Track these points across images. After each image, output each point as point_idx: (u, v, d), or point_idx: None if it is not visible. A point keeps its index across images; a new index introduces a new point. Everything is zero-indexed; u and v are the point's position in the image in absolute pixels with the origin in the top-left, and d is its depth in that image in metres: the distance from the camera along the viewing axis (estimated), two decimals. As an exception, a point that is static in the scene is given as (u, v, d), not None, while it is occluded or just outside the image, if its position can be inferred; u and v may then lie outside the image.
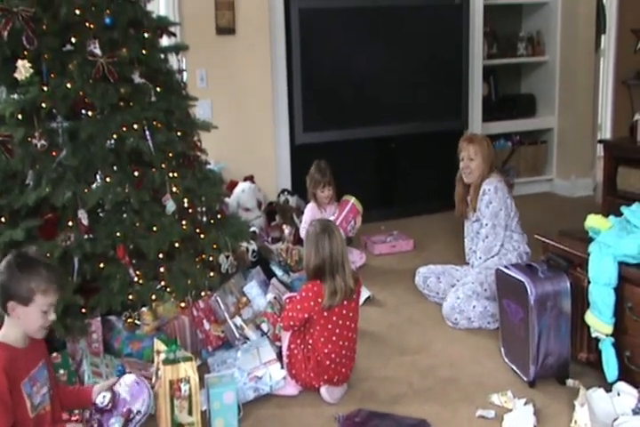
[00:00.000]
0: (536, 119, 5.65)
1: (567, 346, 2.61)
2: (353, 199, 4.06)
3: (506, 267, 2.81)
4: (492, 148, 3.49)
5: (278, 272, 3.60)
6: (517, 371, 2.70)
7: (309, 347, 2.62)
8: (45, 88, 2.69)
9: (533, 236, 3.07)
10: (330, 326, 2.59)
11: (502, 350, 2.84)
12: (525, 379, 2.63)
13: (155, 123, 2.90)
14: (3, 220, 2.72)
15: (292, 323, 2.63)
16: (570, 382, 2.60)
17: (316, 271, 2.60)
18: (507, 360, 2.79)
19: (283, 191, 4.81)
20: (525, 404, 2.44)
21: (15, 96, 2.71)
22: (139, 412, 2.04)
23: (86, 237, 2.73)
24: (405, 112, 5.06)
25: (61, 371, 2.52)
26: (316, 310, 2.57)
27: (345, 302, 2.60)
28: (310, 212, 4.11)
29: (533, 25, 5.63)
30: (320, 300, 2.55)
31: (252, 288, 3.22)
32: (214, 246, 3.19)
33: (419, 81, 5.02)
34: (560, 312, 2.58)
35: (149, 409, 2.04)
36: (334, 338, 2.59)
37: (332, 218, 4.00)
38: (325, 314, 2.57)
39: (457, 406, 2.50)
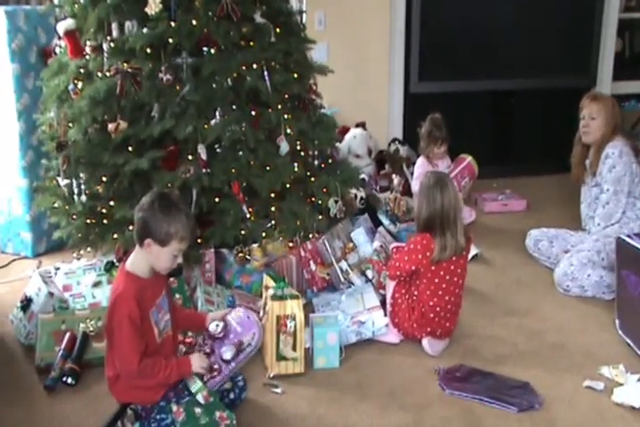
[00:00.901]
0: (674, 81, 5.21)
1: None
2: (470, 158, 3.92)
3: (628, 236, 2.64)
4: (619, 108, 3.26)
5: (385, 221, 3.56)
6: (632, 345, 2.57)
7: (414, 298, 2.59)
8: (173, 24, 2.73)
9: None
10: (436, 280, 2.54)
11: (617, 322, 2.71)
12: (641, 354, 2.50)
13: (273, 64, 2.91)
14: (130, 149, 2.81)
15: (398, 273, 2.61)
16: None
17: (426, 224, 2.53)
18: (621, 333, 2.66)
19: (394, 140, 4.73)
20: (639, 380, 2.33)
21: (145, 30, 2.77)
22: (249, 344, 2.09)
23: (204, 171, 2.79)
24: (529, 65, 4.80)
25: (177, 295, 2.63)
26: (423, 263, 2.52)
27: (454, 258, 2.54)
28: (422, 166, 4.01)
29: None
30: (428, 253, 2.50)
31: (360, 235, 3.20)
32: (324, 190, 3.20)
33: (546, 32, 4.73)
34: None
35: (259, 343, 2.09)
36: (440, 292, 2.55)
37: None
38: (433, 268, 2.53)
39: (563, 373, 2.42)
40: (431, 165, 4.00)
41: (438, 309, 2.56)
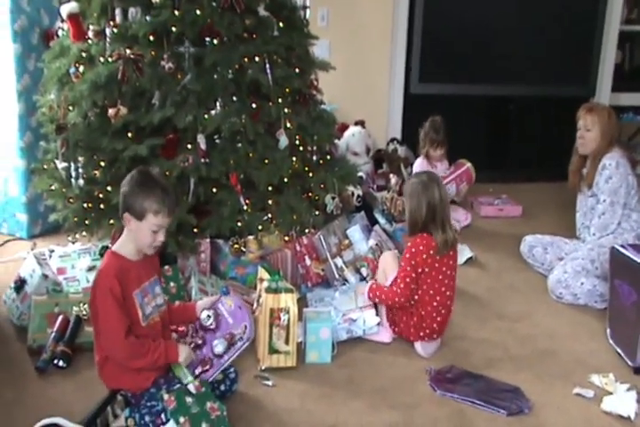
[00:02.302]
0: (672, 94, 5.25)
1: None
2: (469, 164, 3.96)
3: (622, 246, 2.65)
4: (616, 120, 3.25)
5: (381, 220, 3.56)
6: (622, 355, 2.57)
7: (412, 302, 2.56)
8: (177, 12, 2.73)
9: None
10: (440, 277, 2.53)
11: (608, 331, 2.71)
12: (631, 364, 2.50)
13: (275, 57, 2.93)
14: (130, 135, 2.80)
15: (413, 286, 2.50)
16: (678, 373, 2.47)
17: (423, 223, 2.50)
18: (612, 342, 2.67)
19: (392, 140, 4.73)
20: (628, 390, 2.33)
21: (148, 18, 2.76)
22: (240, 338, 2.07)
23: (203, 160, 2.79)
24: (529, 73, 4.82)
25: (172, 284, 2.61)
26: (428, 262, 2.50)
27: (451, 253, 2.55)
28: (420, 167, 4.02)
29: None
30: (432, 252, 2.49)
31: (356, 232, 3.20)
32: (321, 186, 3.21)
33: (547, 41, 4.75)
34: (680, 300, 2.43)
35: (251, 337, 2.07)
36: (443, 289, 2.54)
37: (442, 175, 3.91)
38: (437, 265, 2.52)
39: (553, 379, 2.42)
40: (430, 165, 4.00)
41: (440, 307, 2.54)
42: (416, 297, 2.55)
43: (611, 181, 3.13)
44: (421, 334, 2.55)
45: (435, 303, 2.54)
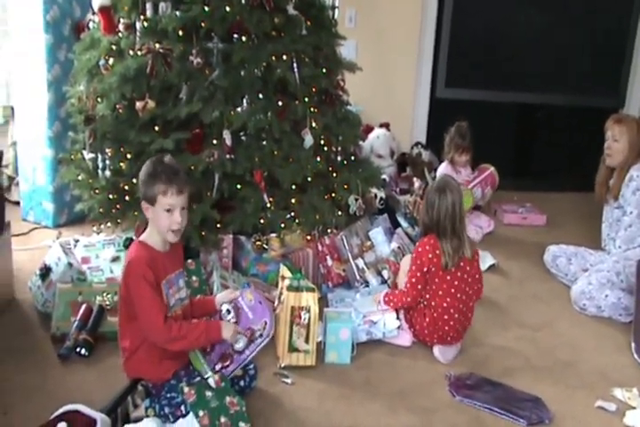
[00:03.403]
0: None
1: None
2: (492, 168, 3.93)
3: (650, 260, 2.61)
4: None
5: (404, 224, 3.53)
6: (647, 369, 2.53)
7: (424, 304, 2.56)
8: (206, 8, 2.73)
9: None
10: (448, 278, 2.52)
11: (633, 345, 2.66)
12: (655, 379, 2.46)
13: (303, 56, 2.92)
14: (156, 129, 2.80)
15: (419, 286, 2.53)
16: None
17: (429, 228, 2.53)
18: (636, 357, 2.62)
19: (416, 144, 4.70)
20: (652, 404, 2.29)
21: (178, 13, 2.76)
22: (261, 335, 2.05)
23: (228, 157, 2.78)
24: (557, 81, 4.77)
25: (194, 278, 2.60)
26: (434, 261, 2.50)
27: (464, 262, 2.53)
28: (444, 172, 3.98)
29: None
30: (437, 252, 2.49)
31: (378, 234, 3.18)
32: (345, 187, 3.18)
33: (577, 50, 4.70)
34: None
35: (271, 334, 2.05)
36: (453, 290, 2.52)
37: (466, 180, 3.88)
38: (441, 273, 2.51)
39: (575, 391, 2.37)
40: (454, 171, 3.97)
41: (452, 310, 2.53)
42: (427, 296, 2.55)
43: (638, 193, 3.09)
44: (435, 336, 2.54)
45: (445, 304, 2.53)
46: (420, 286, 2.53)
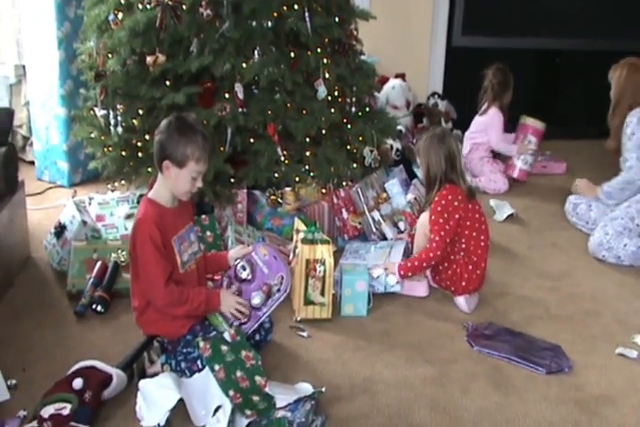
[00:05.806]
0: None
1: None
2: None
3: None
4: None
5: (419, 174, 3.47)
6: (669, 316, 2.50)
7: (462, 254, 2.51)
8: None
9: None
10: (473, 224, 2.50)
11: (654, 292, 2.64)
12: (677, 326, 2.43)
13: (315, 5, 2.83)
14: (167, 83, 2.76)
15: (448, 239, 2.46)
16: None
17: (445, 173, 2.50)
18: (658, 303, 2.60)
19: (433, 94, 4.60)
20: (673, 351, 2.27)
21: None
22: (278, 290, 2.04)
23: (240, 110, 2.73)
24: (579, 25, 4.59)
25: (208, 233, 2.60)
26: (462, 207, 2.48)
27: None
28: (498, 118, 3.91)
29: None
30: (460, 197, 2.48)
31: (394, 185, 3.13)
32: (360, 138, 3.14)
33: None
34: None
35: (288, 288, 2.04)
36: (474, 234, 2.50)
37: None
38: (469, 214, 2.50)
39: (595, 339, 2.36)
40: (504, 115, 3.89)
41: (485, 251, 2.52)
42: (463, 246, 2.51)
43: (634, 137, 3.07)
44: (469, 286, 2.51)
45: (479, 251, 2.51)
46: (448, 239, 2.47)
